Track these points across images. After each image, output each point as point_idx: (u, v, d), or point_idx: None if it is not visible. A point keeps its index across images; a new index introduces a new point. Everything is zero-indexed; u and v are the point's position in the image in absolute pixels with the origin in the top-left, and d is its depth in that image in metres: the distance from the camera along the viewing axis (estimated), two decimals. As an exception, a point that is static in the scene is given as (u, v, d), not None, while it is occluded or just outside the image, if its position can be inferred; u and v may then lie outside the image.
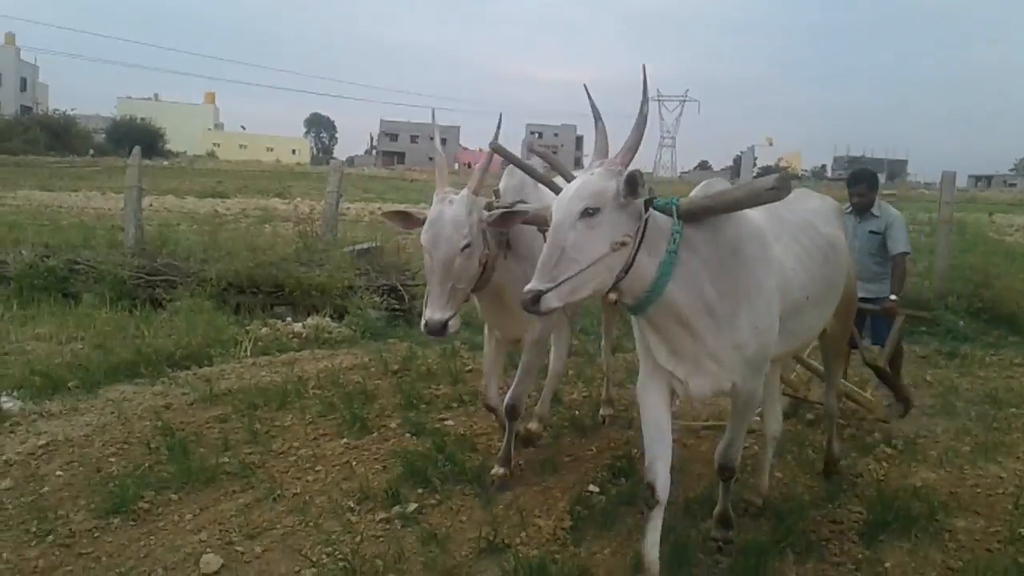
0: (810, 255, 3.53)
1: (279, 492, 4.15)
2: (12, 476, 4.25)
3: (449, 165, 3.76)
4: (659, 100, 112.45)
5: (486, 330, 4.50)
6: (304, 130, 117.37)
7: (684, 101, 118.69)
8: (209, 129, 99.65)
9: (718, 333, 2.97)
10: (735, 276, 2.97)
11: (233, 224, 12.54)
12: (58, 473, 4.31)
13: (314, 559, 3.52)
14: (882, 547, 3.71)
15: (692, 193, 3.12)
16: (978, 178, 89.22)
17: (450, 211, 3.52)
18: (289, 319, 7.86)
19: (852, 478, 4.50)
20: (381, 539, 3.72)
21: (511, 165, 4.03)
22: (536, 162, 4.26)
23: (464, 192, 3.62)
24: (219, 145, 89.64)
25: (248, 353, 6.74)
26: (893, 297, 5.35)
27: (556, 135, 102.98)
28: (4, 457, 4.47)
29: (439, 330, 3.49)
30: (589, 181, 2.74)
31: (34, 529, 3.70)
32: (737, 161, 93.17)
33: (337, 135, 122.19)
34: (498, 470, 4.30)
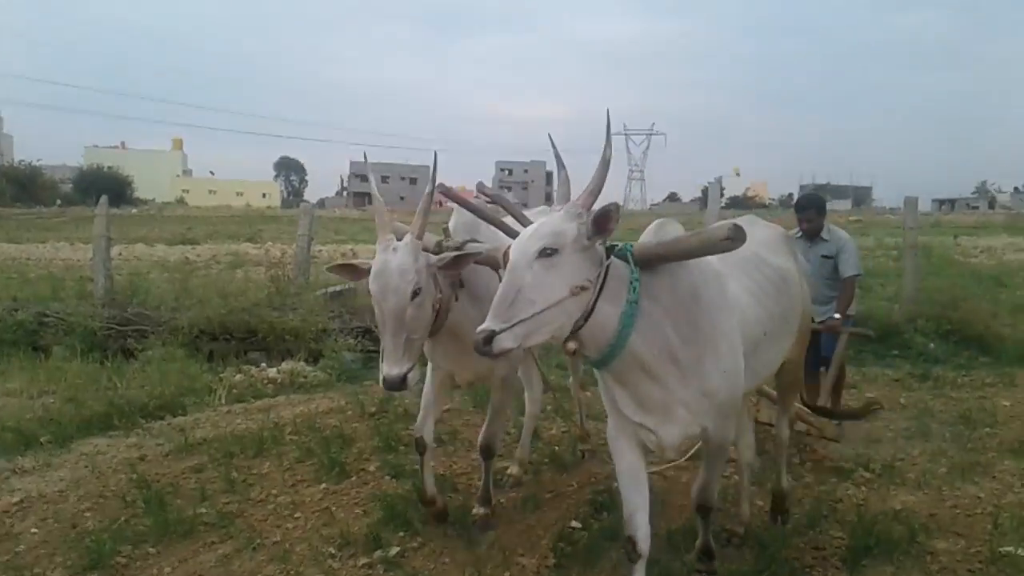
0: (763, 290, 3.45)
1: (259, 541, 4.09)
2: (-15, 535, 4.15)
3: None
4: (626, 134, 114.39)
5: (428, 366, 4.27)
6: (274, 173, 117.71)
7: (651, 135, 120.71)
8: (178, 175, 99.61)
9: (684, 381, 2.90)
10: (697, 322, 2.89)
11: (204, 271, 12.52)
12: (33, 530, 4.22)
13: (296, 609, 3.47)
14: (865, 572, 3.72)
15: (643, 235, 3.08)
16: (942, 202, 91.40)
17: (395, 260, 3.34)
18: (263, 365, 7.78)
19: (832, 504, 4.52)
20: (364, 585, 3.65)
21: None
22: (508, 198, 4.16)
23: (407, 238, 3.44)
24: (188, 191, 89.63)
25: (223, 401, 6.68)
26: (836, 316, 5.42)
27: (526, 171, 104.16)
28: (-24, 516, 4.36)
29: (398, 385, 3.32)
30: (548, 222, 2.70)
31: (9, 589, 3.61)
32: (705, 192, 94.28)
33: (307, 177, 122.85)
34: (479, 510, 4.27)
